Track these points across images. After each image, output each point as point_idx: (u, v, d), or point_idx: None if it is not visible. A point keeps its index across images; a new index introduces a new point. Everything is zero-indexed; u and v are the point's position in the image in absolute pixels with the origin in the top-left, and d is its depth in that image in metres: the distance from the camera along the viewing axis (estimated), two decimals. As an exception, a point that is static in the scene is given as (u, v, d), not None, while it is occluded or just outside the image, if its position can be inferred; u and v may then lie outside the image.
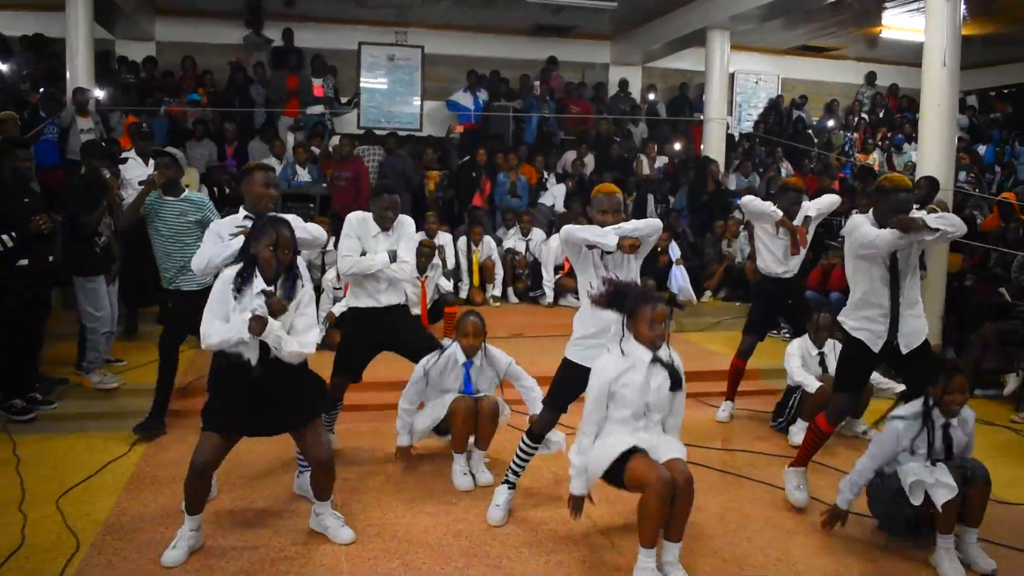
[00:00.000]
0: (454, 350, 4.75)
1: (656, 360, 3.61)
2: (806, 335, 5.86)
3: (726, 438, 5.72)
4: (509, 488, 4.26)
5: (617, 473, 3.57)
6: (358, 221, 4.77)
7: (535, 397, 4.70)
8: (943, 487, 3.73)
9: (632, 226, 3.86)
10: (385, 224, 4.75)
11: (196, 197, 5.38)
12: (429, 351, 4.80)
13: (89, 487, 4.48)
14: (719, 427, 5.98)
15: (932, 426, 3.92)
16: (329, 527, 3.94)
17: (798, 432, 5.75)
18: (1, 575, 3.51)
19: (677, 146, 12.46)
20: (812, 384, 5.58)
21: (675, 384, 3.66)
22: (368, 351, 4.89)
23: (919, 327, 4.32)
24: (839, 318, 4.52)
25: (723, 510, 4.46)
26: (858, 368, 4.51)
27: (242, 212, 4.24)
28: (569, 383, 4.07)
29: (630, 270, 4.00)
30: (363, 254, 4.69)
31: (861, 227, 4.21)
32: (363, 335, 4.85)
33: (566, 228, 4.01)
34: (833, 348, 5.73)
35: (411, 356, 4.89)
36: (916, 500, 3.79)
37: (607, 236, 3.80)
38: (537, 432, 4.21)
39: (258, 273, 3.63)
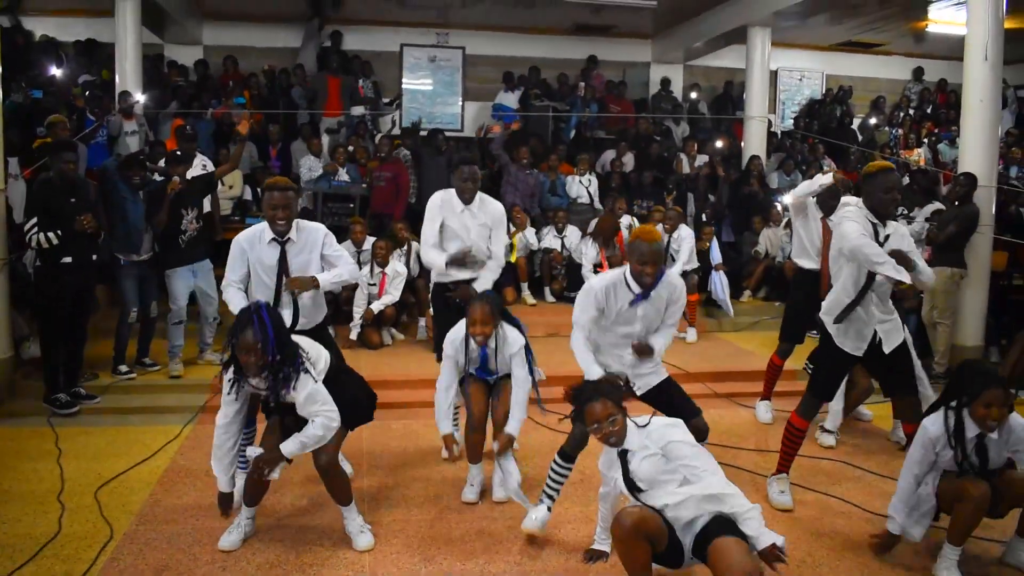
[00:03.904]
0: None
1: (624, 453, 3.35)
2: None
3: (760, 440, 5.66)
4: (547, 510, 4.05)
5: None
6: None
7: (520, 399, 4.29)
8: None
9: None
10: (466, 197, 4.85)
11: None
12: None
13: (127, 479, 4.62)
14: (756, 428, 5.92)
15: (962, 439, 3.64)
16: (351, 532, 3.89)
17: (764, 410, 5.99)
18: (37, 562, 3.64)
19: (719, 144, 12.33)
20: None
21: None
22: None
23: (894, 328, 4.22)
24: (821, 315, 4.32)
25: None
26: (836, 375, 4.44)
27: (268, 232, 4.22)
28: None
29: (648, 322, 4.10)
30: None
31: (843, 224, 4.04)
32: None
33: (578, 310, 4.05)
34: None
35: None
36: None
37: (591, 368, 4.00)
38: (569, 451, 4.03)
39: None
